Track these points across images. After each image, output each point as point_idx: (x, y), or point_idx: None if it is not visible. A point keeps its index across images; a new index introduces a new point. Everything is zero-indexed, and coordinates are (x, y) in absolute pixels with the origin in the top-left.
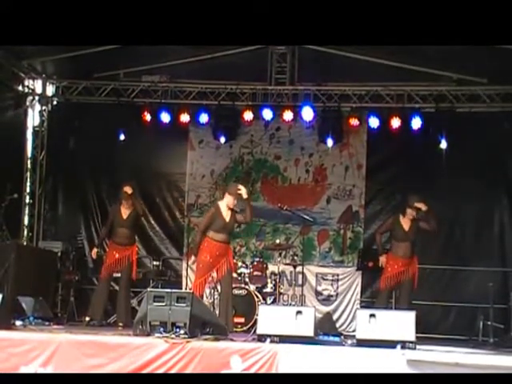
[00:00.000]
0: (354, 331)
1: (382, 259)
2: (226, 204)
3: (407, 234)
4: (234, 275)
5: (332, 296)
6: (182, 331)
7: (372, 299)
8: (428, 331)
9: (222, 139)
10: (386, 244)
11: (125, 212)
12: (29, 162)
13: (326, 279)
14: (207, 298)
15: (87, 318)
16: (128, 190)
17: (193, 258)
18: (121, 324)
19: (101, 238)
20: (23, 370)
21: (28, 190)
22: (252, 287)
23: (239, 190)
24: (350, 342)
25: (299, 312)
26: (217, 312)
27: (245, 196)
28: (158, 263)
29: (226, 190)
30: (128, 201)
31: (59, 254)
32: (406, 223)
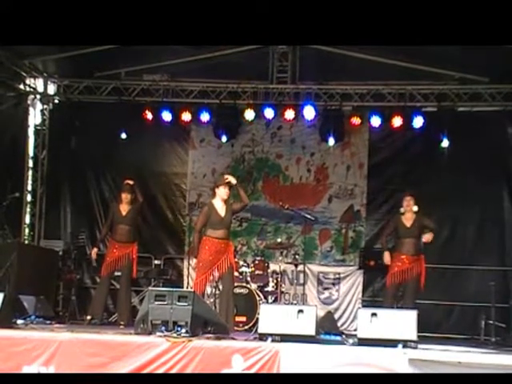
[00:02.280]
0: (355, 330)
1: (386, 255)
2: (220, 199)
3: (410, 231)
4: (236, 274)
5: (333, 295)
6: (183, 330)
7: (374, 298)
8: (430, 330)
9: (224, 138)
10: (389, 242)
11: (124, 209)
12: (30, 160)
13: (328, 278)
14: (208, 296)
15: (89, 317)
16: (129, 181)
17: (194, 260)
18: (122, 323)
19: (101, 237)
20: (26, 369)
21: (29, 188)
22: (253, 286)
23: (226, 178)
24: (351, 341)
25: (301, 311)
26: (218, 311)
27: (234, 182)
28: (159, 262)
29: (215, 186)
30: (128, 194)
31: (60, 252)
32: (407, 220)
